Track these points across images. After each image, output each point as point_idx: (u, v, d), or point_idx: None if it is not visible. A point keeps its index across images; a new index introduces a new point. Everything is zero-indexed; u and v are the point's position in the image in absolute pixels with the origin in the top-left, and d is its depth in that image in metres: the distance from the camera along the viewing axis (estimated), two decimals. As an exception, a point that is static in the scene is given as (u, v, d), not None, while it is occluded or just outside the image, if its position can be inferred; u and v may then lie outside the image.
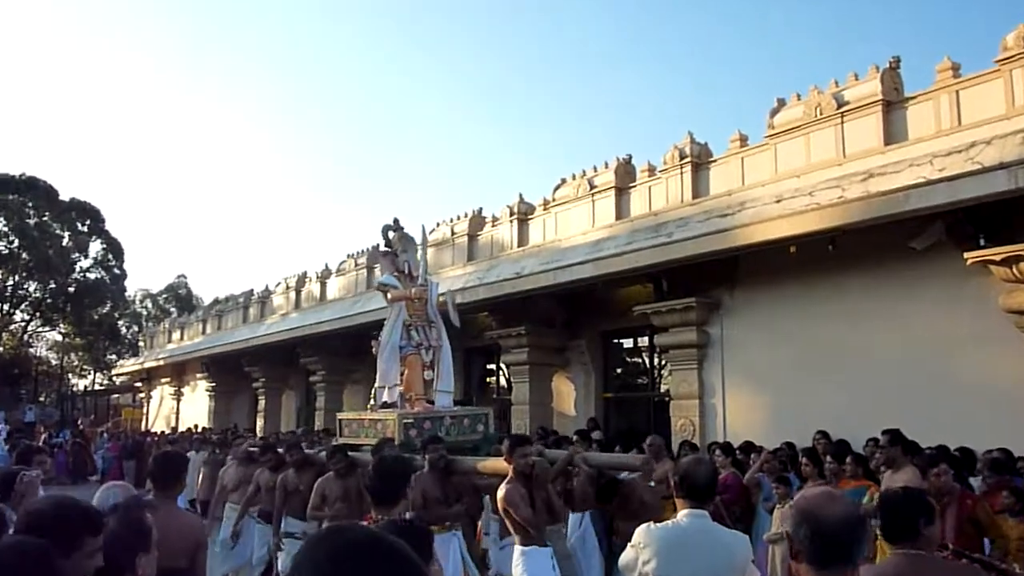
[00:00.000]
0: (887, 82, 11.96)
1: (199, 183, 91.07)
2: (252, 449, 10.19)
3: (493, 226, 19.18)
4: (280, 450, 9.33)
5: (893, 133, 11.74)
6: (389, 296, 9.13)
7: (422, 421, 8.52)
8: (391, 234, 9.42)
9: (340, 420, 9.40)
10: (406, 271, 9.24)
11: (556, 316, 17.46)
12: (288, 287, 28.35)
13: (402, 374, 8.91)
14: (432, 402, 8.90)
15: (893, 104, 11.87)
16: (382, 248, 9.62)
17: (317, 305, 25.72)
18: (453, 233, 20.21)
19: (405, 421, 8.50)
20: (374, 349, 9.12)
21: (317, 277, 26.62)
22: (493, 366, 21.32)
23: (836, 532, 2.50)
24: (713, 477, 4.20)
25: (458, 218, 20.52)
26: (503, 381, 21.03)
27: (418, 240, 9.42)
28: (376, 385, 9.03)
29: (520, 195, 18.65)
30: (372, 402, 9.26)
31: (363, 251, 24.57)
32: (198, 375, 33.44)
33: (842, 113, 12.25)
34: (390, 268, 9.42)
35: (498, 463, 6.99)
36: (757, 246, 12.07)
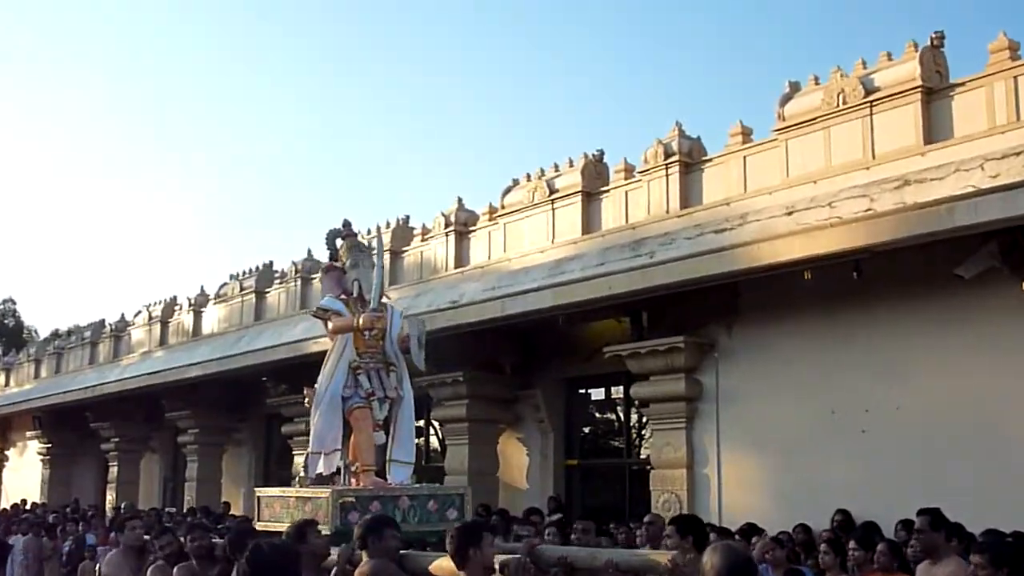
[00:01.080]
0: (928, 64, 12.22)
1: (34, 186, 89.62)
2: (146, 536, 9.73)
3: (423, 240, 19.19)
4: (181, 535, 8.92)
5: (935, 129, 12.00)
6: (331, 325, 8.78)
7: (368, 501, 8.02)
8: (339, 242, 9.13)
9: (259, 498, 9.05)
10: (355, 292, 8.92)
11: (504, 358, 17.46)
12: (151, 317, 28.03)
13: (346, 436, 8.61)
14: (384, 476, 8.57)
15: (935, 92, 12.13)
16: (325, 262, 9.38)
17: (190, 341, 25.53)
18: (371, 248, 20.16)
19: (344, 500, 7.94)
20: (306, 400, 8.81)
21: (190, 305, 26.49)
22: (421, 422, 21.16)
23: None
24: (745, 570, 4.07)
25: (377, 230, 20.46)
26: (434, 442, 20.87)
27: (374, 252, 9.10)
28: (309, 450, 8.69)
29: (459, 200, 18.71)
30: (302, 474, 8.91)
31: (250, 271, 24.51)
32: (28, 433, 32.76)
33: (871, 103, 12.49)
34: (334, 288, 9.01)
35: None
36: (762, 271, 12.21)
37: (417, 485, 8.77)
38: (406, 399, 8.79)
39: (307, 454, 8.75)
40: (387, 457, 8.71)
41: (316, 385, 8.73)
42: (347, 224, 9.32)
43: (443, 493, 8.78)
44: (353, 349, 8.59)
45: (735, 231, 12.51)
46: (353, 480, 8.53)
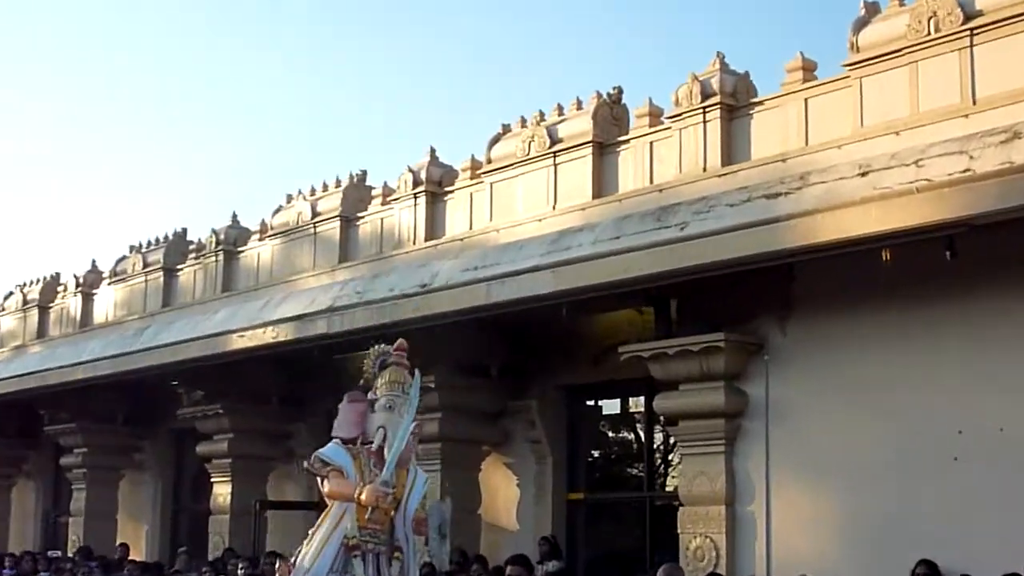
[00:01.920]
0: (1046, -20, 12.17)
1: None
2: None
3: (384, 204, 19.15)
4: None
5: (1054, 65, 11.97)
6: (326, 487, 8.68)
7: None
8: (381, 364, 9.00)
9: None
10: (376, 445, 8.78)
11: (490, 359, 17.47)
12: (26, 301, 27.92)
13: None
14: None
15: (1055, 17, 12.11)
16: (352, 392, 9.13)
17: (76, 333, 25.45)
18: (315, 214, 20.19)
19: None
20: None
21: (78, 286, 26.38)
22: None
23: None
24: None
25: (323, 189, 20.51)
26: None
27: (414, 385, 8.92)
28: None
29: (431, 152, 18.67)
30: None
31: (157, 242, 24.46)
32: None
33: (971, 30, 12.45)
34: (352, 427, 8.91)
35: None
36: (827, 248, 12.20)
37: None
38: None
39: None
40: None
41: (294, 558, 8.68)
42: (402, 347, 9.08)
43: None
44: (353, 520, 8.51)
45: (792, 196, 12.49)
46: None
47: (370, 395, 8.66)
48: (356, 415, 8.69)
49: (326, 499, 8.61)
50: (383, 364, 8.75)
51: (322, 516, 8.54)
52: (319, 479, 8.61)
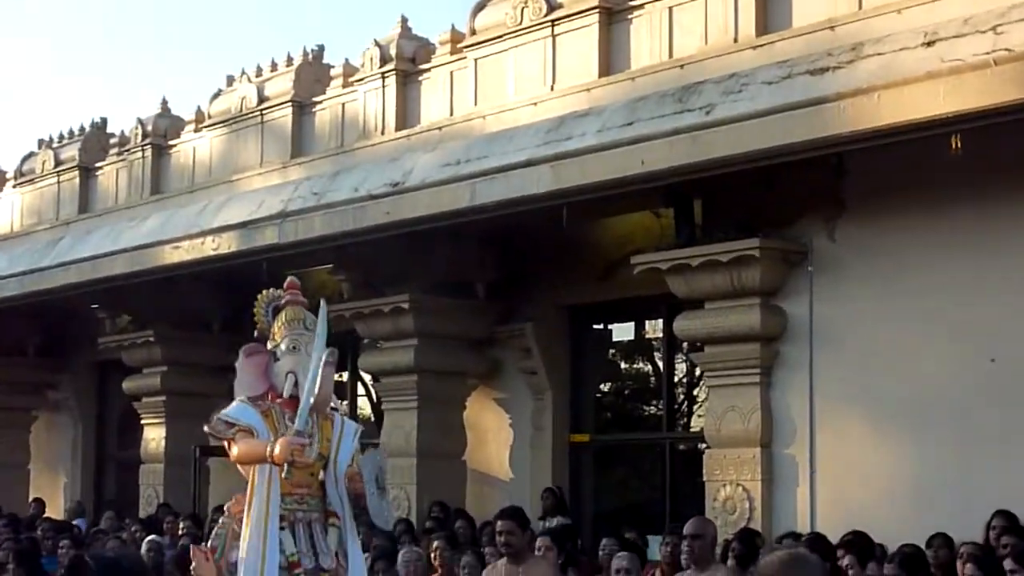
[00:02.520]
0: None
1: None
2: None
3: (346, 87, 19.04)
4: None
5: None
6: (234, 451, 8.69)
7: None
8: (274, 310, 9.02)
9: None
10: (287, 394, 8.75)
11: (476, 274, 17.51)
12: (-86, 207, 27.80)
13: None
14: None
15: None
16: (255, 337, 9.11)
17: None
18: (262, 100, 20.08)
19: None
20: (207, 428, 8.87)
21: (-28, 190, 26.28)
22: (345, 374, 21.18)
23: None
24: None
25: (272, 69, 20.38)
26: (364, 406, 20.88)
27: (320, 315, 8.91)
28: None
29: (402, 21, 18.56)
30: None
31: (71, 135, 24.33)
32: None
33: None
34: (256, 382, 8.92)
35: None
36: (884, 134, 12.12)
37: None
38: (353, 570, 8.69)
39: None
40: None
41: (211, 541, 8.67)
42: (294, 284, 9.09)
43: None
44: (276, 489, 8.48)
45: (842, 72, 12.39)
46: None
47: (269, 345, 8.74)
48: (257, 368, 8.71)
49: (238, 467, 8.63)
50: (276, 309, 8.88)
51: (248, 493, 8.57)
52: (226, 444, 8.61)
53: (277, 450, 8.09)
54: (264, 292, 8.98)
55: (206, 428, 8.80)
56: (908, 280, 13.45)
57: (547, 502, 16.10)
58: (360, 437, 8.77)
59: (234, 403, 8.59)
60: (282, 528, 8.28)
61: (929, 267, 13.30)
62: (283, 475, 8.23)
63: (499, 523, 10.93)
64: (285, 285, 9.02)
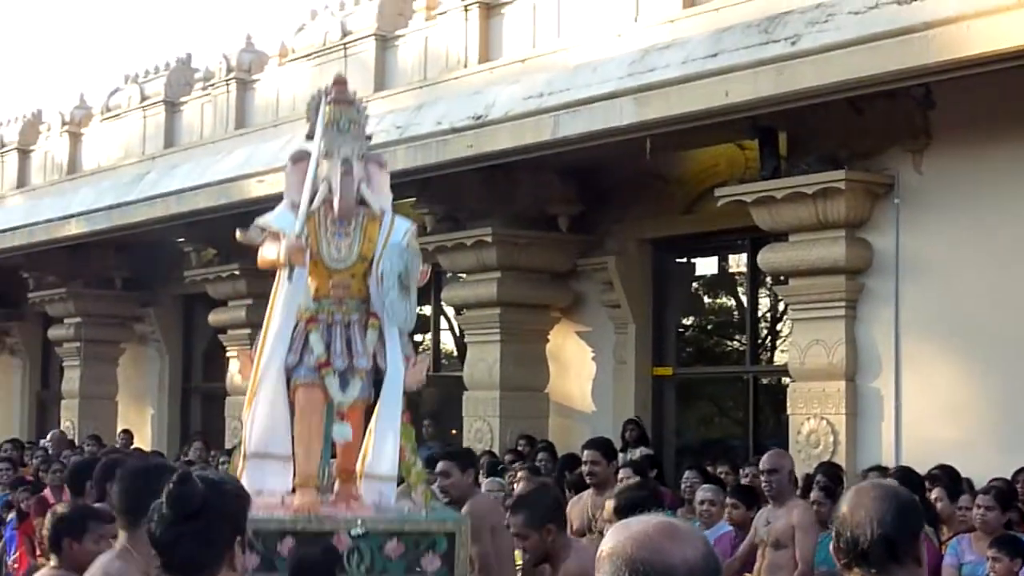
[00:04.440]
0: None
1: None
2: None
3: (429, 20, 18.97)
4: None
5: None
6: (265, 254, 8.70)
7: (276, 538, 8.16)
8: (321, 110, 8.95)
9: None
10: (318, 197, 8.73)
11: (558, 208, 17.52)
12: (3, 144, 28.16)
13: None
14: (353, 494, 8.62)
15: None
16: (304, 140, 9.07)
17: (63, 181, 25.67)
18: (345, 33, 20.07)
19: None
20: (232, 373, 8.99)
21: (63, 124, 26.50)
22: (428, 308, 21.24)
23: None
24: (895, 529, 4.38)
25: (355, 3, 20.35)
26: (447, 340, 20.98)
27: (361, 127, 8.89)
28: (243, 454, 8.78)
29: (487, -49, 18.45)
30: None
31: (157, 71, 24.45)
32: None
33: None
34: (295, 188, 8.90)
35: None
36: (976, 63, 11.94)
37: (397, 505, 8.67)
38: (392, 374, 8.65)
39: (241, 457, 8.74)
40: (360, 462, 8.68)
41: (253, 348, 8.70)
42: (339, 79, 9.00)
43: (416, 530, 8.62)
44: (308, 289, 8.50)
45: (931, 0, 12.18)
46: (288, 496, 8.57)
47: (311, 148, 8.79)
48: (302, 175, 8.70)
49: (264, 266, 8.68)
50: (318, 108, 8.80)
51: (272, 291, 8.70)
52: (257, 247, 8.69)
53: (281, 254, 8.26)
54: (314, 94, 8.94)
55: (238, 235, 8.91)
56: (995, 212, 13.34)
57: (630, 433, 16.12)
58: (415, 237, 8.81)
59: (276, 209, 8.63)
60: (312, 330, 8.38)
61: (1017, 199, 13.16)
62: (329, 280, 8.38)
63: (584, 453, 10.98)
64: (332, 81, 8.97)
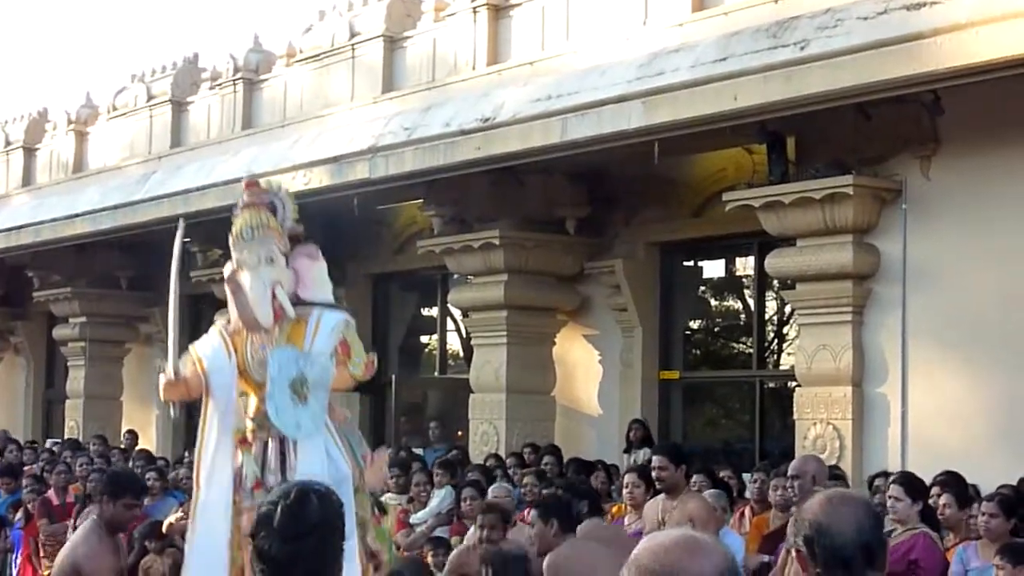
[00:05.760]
0: None
1: None
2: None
3: (437, 21, 18.99)
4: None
5: None
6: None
7: None
8: (233, 221, 8.82)
9: None
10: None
11: (566, 211, 17.53)
12: (8, 142, 28.16)
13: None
14: None
15: None
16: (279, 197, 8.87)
17: (69, 180, 25.67)
18: (353, 34, 20.07)
19: None
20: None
21: (70, 123, 26.52)
22: (434, 309, 21.24)
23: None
24: (873, 536, 4.44)
25: (364, 3, 20.34)
26: (454, 341, 20.97)
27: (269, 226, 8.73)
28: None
29: (496, -47, 18.46)
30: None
31: (164, 70, 24.46)
32: None
33: None
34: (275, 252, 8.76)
35: None
36: (984, 70, 11.95)
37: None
38: (337, 481, 8.41)
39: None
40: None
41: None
42: (250, 183, 8.78)
43: None
44: (242, 408, 8.51)
45: (940, 7, 12.18)
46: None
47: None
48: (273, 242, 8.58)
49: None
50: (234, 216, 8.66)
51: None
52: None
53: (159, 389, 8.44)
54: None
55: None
56: (1003, 219, 13.34)
57: (635, 434, 16.13)
58: (350, 329, 8.43)
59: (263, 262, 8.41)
60: (246, 451, 8.22)
61: (1025, 206, 13.18)
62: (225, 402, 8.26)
63: (654, 459, 11.01)
64: (244, 184, 8.78)
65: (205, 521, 8.32)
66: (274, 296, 8.21)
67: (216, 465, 8.31)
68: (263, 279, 8.23)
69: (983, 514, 10.02)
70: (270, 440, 8.23)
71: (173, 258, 8.60)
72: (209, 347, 8.51)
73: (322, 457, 8.27)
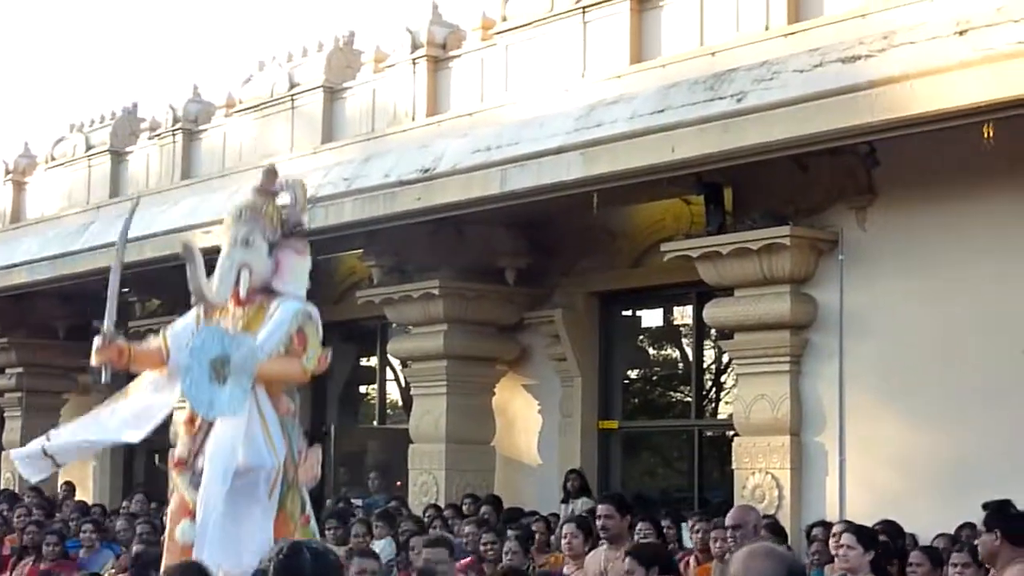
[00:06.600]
0: None
1: None
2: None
3: (377, 72, 19.06)
4: None
5: None
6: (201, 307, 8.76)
7: None
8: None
9: None
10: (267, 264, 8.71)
11: (506, 261, 17.53)
12: (-53, 191, 27.88)
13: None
14: None
15: None
16: (260, 188, 8.96)
17: (6, 230, 25.51)
18: (292, 85, 20.10)
19: None
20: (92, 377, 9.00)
21: (7, 173, 26.40)
22: (373, 359, 21.20)
23: None
24: None
25: (303, 55, 20.41)
26: (393, 391, 20.92)
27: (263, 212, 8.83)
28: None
29: (433, 7, 18.51)
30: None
31: (103, 120, 24.36)
32: None
33: None
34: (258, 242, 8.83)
35: None
36: (917, 123, 12.09)
37: None
38: (254, 463, 8.46)
39: None
40: None
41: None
42: (269, 171, 9.14)
43: None
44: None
45: (874, 60, 12.35)
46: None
47: None
48: (261, 228, 8.86)
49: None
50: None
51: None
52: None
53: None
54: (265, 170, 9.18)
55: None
56: (939, 269, 13.46)
57: (572, 484, 16.11)
58: (310, 321, 8.55)
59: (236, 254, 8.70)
60: (187, 432, 8.52)
61: (960, 257, 13.29)
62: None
63: (599, 507, 11.01)
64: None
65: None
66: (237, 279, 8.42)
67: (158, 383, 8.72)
68: (233, 258, 8.50)
69: (910, 564, 10.12)
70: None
71: (121, 225, 8.80)
72: (181, 323, 8.81)
73: (233, 441, 8.22)
